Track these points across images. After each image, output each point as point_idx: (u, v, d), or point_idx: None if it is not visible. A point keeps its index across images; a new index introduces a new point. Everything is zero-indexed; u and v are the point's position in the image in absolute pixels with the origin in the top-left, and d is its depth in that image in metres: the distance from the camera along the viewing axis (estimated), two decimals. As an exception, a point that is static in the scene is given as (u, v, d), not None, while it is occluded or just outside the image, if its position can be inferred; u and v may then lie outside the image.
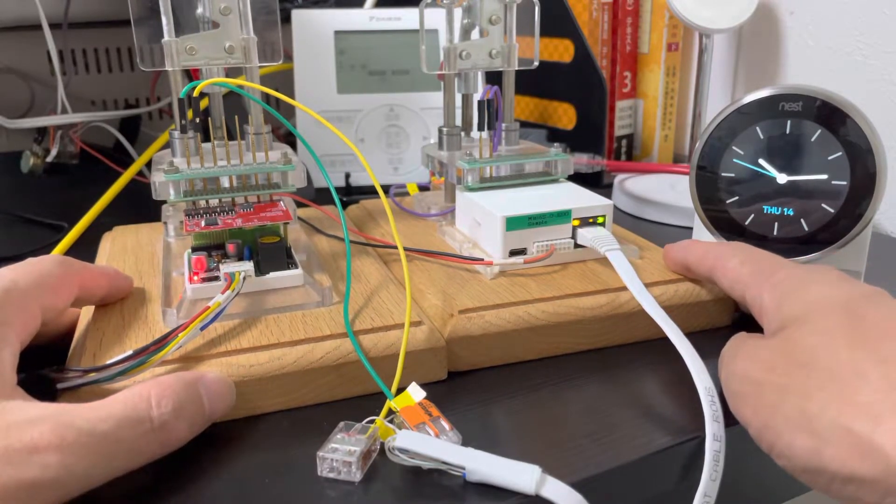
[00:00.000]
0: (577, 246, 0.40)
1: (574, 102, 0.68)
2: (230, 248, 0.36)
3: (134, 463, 0.25)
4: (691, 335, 0.32)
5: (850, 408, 0.24)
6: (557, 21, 0.66)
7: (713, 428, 0.28)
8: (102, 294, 0.35)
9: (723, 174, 0.44)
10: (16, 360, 0.27)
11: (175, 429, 0.26)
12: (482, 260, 0.39)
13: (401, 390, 0.30)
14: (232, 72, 0.40)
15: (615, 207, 0.41)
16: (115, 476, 0.25)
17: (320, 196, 0.54)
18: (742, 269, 0.33)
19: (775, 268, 0.32)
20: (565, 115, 0.70)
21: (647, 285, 0.35)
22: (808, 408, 0.25)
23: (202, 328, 0.31)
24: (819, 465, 0.24)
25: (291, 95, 0.56)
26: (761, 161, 0.43)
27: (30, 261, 0.32)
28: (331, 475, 0.27)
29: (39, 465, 0.22)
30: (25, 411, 0.24)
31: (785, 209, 0.43)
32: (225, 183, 0.37)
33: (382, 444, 0.28)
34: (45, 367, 0.29)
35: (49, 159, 0.66)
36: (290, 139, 0.71)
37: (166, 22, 0.37)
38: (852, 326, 0.26)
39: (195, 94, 0.36)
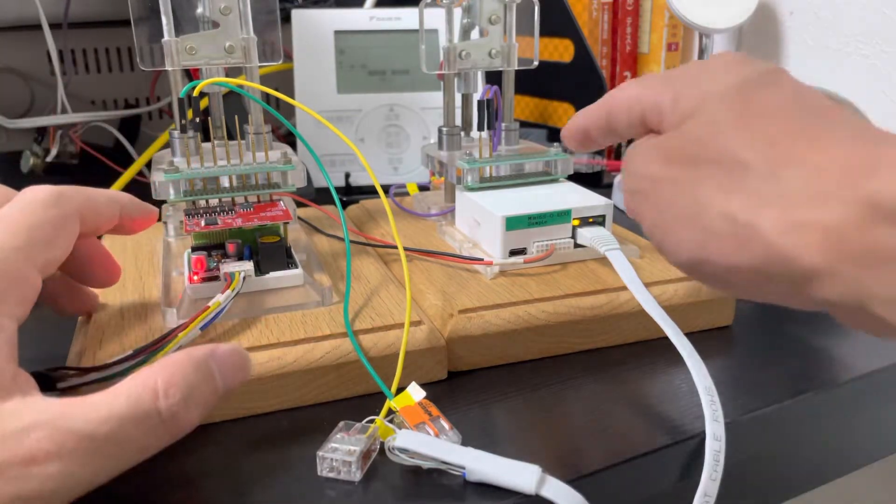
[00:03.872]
0: (577, 246, 0.40)
1: (574, 102, 0.68)
2: (230, 247, 0.36)
3: (141, 458, 0.24)
4: (691, 335, 0.32)
5: (733, 196, 0.23)
6: (557, 21, 0.66)
7: (713, 428, 0.28)
8: (111, 226, 0.32)
9: (723, 174, 0.44)
10: (14, 346, 0.24)
11: (185, 417, 0.24)
12: (482, 260, 0.39)
13: (401, 390, 0.30)
14: (232, 71, 0.40)
15: (615, 207, 0.41)
16: (122, 472, 0.23)
17: (320, 196, 0.54)
18: (634, 87, 0.29)
19: (669, 71, 0.29)
20: (565, 115, 0.70)
21: (647, 285, 0.35)
22: (697, 200, 0.24)
23: (202, 328, 0.31)
24: (702, 258, 0.24)
25: (291, 95, 0.56)
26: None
27: (17, 206, 0.27)
28: (331, 475, 0.27)
29: (39, 478, 0.21)
30: (21, 417, 0.22)
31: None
32: (225, 183, 0.37)
33: (382, 444, 0.28)
34: (45, 367, 0.29)
35: (49, 159, 0.66)
36: (290, 139, 0.70)
37: (166, 22, 0.37)
38: (739, 112, 0.24)
39: (195, 93, 0.36)
